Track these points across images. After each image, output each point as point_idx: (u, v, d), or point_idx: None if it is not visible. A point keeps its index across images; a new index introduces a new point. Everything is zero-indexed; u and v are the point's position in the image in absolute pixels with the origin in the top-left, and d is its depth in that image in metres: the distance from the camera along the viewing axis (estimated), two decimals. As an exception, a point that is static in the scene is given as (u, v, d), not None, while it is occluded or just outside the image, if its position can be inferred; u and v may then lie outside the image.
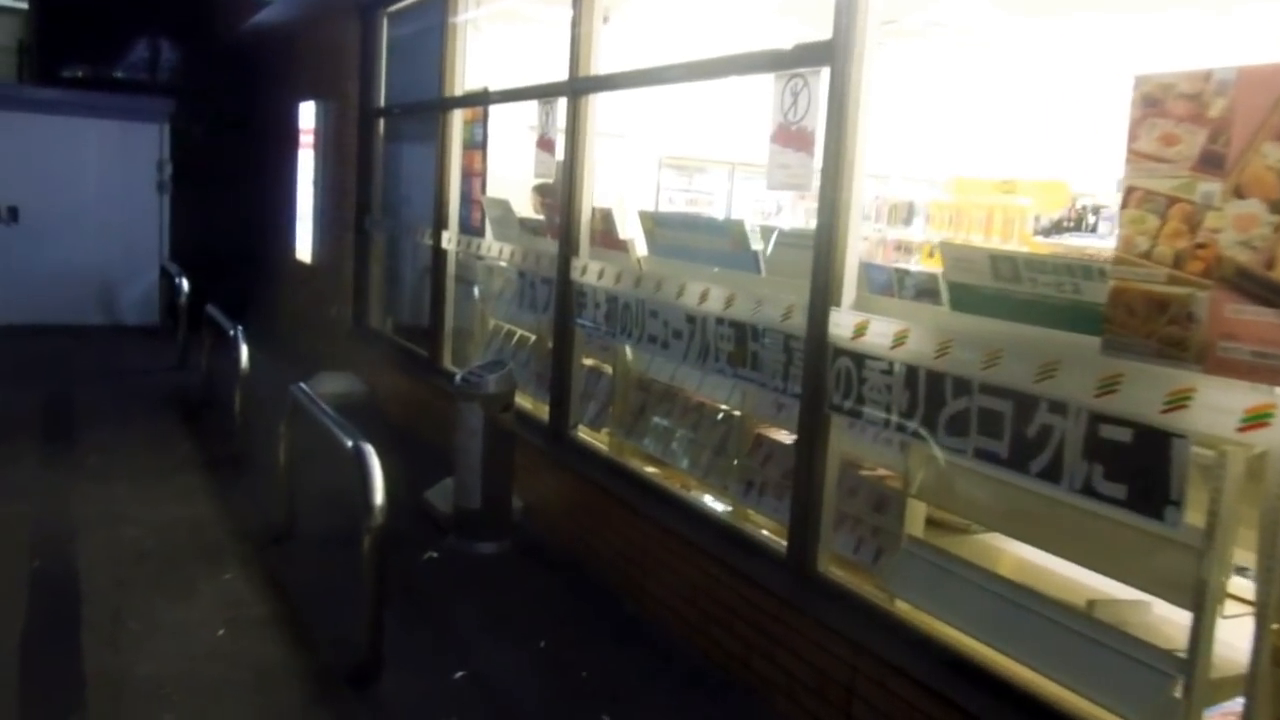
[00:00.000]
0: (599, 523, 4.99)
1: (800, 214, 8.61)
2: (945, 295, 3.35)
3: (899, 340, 3.30)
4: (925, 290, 3.57)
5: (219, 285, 9.52)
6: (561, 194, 5.35)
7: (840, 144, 3.53)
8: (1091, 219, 6.74)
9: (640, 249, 5.29)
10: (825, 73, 3.57)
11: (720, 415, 4.68)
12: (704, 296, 4.28)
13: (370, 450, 3.82)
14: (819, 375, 3.63)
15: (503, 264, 6.47)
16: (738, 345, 4.13)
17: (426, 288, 7.66)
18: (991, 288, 3.16)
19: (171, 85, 12.36)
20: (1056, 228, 6.78)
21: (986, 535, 3.74)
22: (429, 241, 7.35)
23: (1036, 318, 2.99)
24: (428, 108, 7.41)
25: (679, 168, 10.84)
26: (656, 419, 5.05)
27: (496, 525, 5.18)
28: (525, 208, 6.73)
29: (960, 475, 3.34)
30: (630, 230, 5.16)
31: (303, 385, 4.85)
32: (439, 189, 7.12)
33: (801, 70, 3.68)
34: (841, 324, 3.54)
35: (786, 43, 3.75)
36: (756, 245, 4.34)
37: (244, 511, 5.57)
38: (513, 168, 7.67)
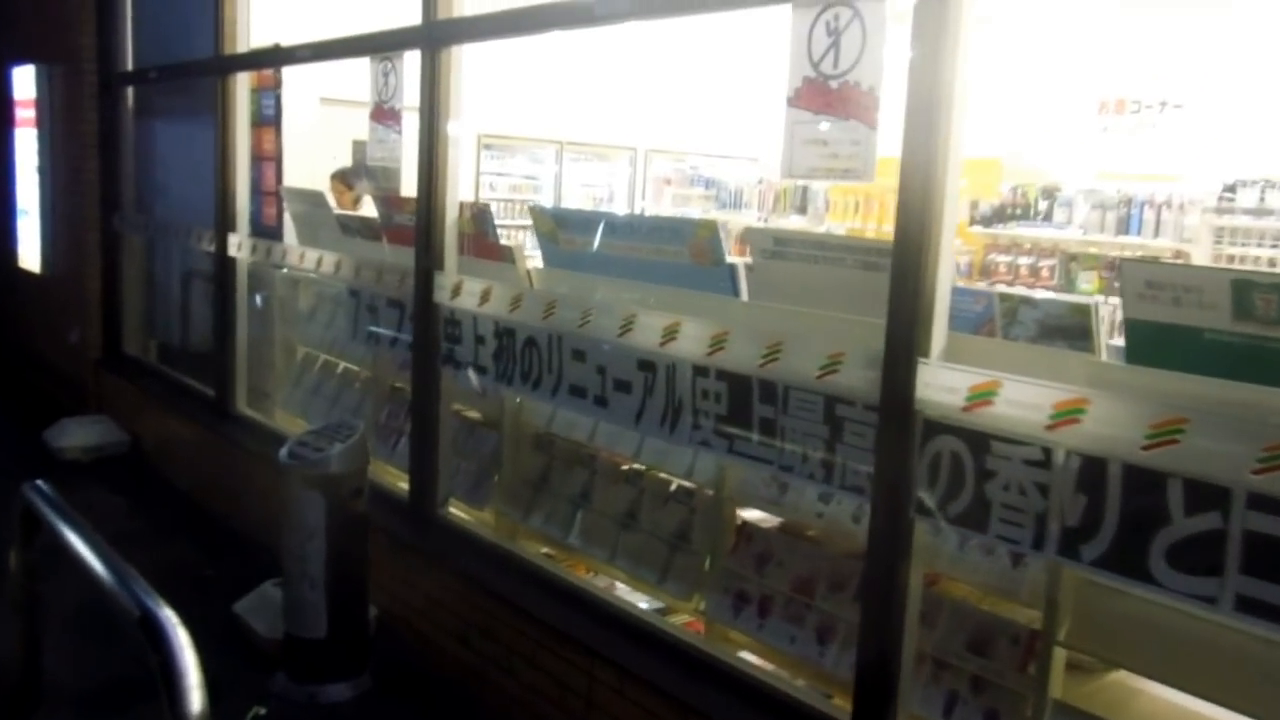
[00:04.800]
0: (498, 645, 3.56)
1: (666, 202, 7.35)
2: (1120, 339, 2.16)
3: (1061, 416, 2.09)
4: (1056, 328, 2.38)
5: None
6: (419, 186, 3.83)
7: (932, 109, 2.27)
8: (1042, 204, 5.84)
9: (533, 259, 3.90)
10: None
11: (676, 492, 3.35)
12: (671, 334, 2.93)
13: (171, 623, 2.25)
14: (899, 463, 2.37)
15: (318, 277, 4.85)
16: (734, 408, 2.81)
17: (207, 306, 5.89)
18: (1223, 333, 1.99)
19: None
20: (999, 216, 5.83)
21: (1120, 675, 2.61)
22: (209, 247, 5.58)
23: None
24: (199, 71, 5.63)
25: (501, 148, 9.36)
26: (567, 492, 3.67)
27: (349, 657, 3.64)
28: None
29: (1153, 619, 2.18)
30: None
31: (39, 483, 3.13)
32: (221, 178, 5.37)
33: (858, -7, 2.39)
34: (937, 385, 2.30)
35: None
36: (732, 256, 3.05)
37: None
38: (303, 150, 6.11)
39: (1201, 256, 5.87)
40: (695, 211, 8.68)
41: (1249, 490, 1.87)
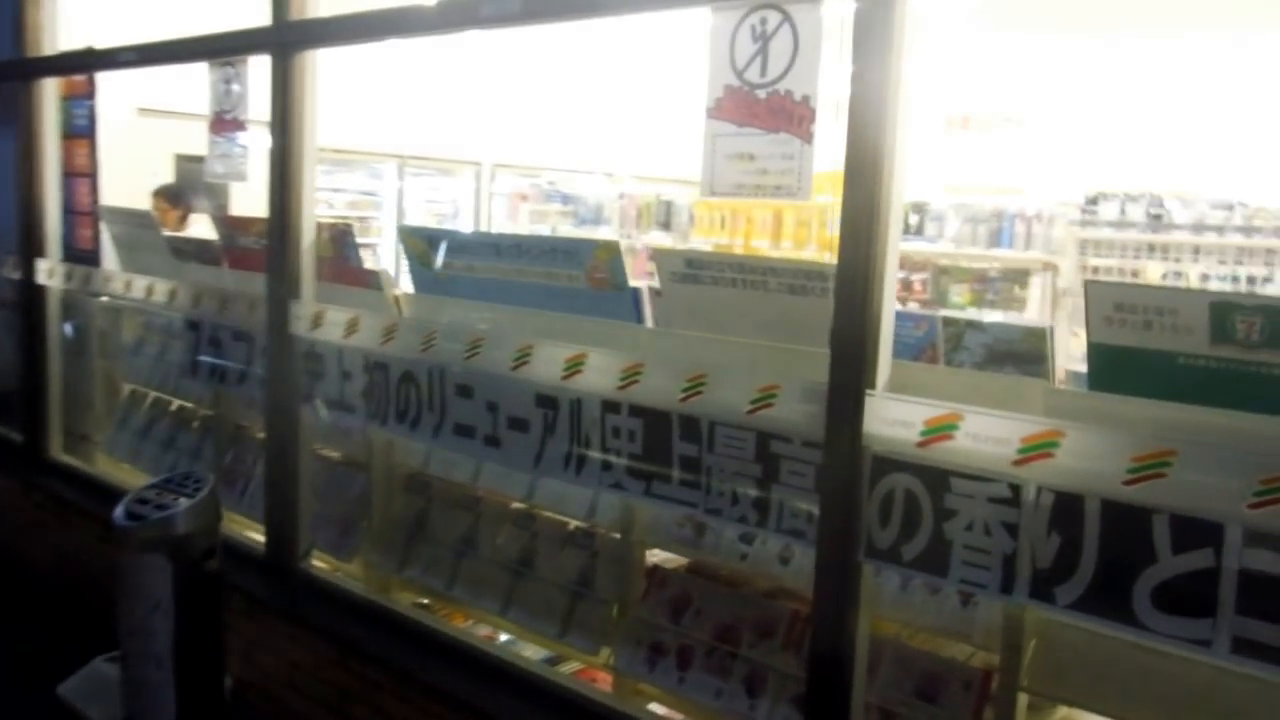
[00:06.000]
0: (376, 713, 3.19)
1: (523, 219, 7.04)
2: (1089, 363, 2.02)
3: (1031, 450, 1.94)
4: (1007, 353, 2.23)
5: None
6: (271, 205, 3.42)
7: (878, 122, 2.09)
8: (913, 218, 5.82)
9: (401, 284, 3.56)
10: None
11: (575, 535, 3.07)
12: (575, 366, 2.65)
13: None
14: (847, 504, 2.17)
15: (148, 306, 4.33)
16: (651, 447, 2.55)
17: (9, 340, 5.22)
18: (1199, 358, 1.88)
19: None
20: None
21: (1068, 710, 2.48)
22: (13, 274, 4.94)
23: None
24: (-5, 75, 4.99)
25: (338, 162, 8.83)
26: (448, 538, 3.33)
27: (203, 742, 3.19)
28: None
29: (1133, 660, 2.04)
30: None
31: None
32: (26, 197, 4.76)
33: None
34: (887, 418, 2.11)
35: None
36: (635, 280, 2.81)
37: None
38: (120, 166, 5.54)
39: (1068, 268, 6.03)
40: (545, 229, 8.42)
41: (1245, 526, 1.75)
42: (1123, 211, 6.07)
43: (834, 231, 6.00)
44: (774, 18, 2.21)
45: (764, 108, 2.24)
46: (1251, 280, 5.84)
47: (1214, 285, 5.86)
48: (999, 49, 6.56)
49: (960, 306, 5.79)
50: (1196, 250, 6.04)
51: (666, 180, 7.80)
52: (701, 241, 6.22)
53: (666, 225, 6.71)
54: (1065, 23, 5.66)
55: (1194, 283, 5.97)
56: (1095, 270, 6.09)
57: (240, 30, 3.46)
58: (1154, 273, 6.03)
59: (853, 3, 2.07)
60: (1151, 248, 6.10)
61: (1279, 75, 6.10)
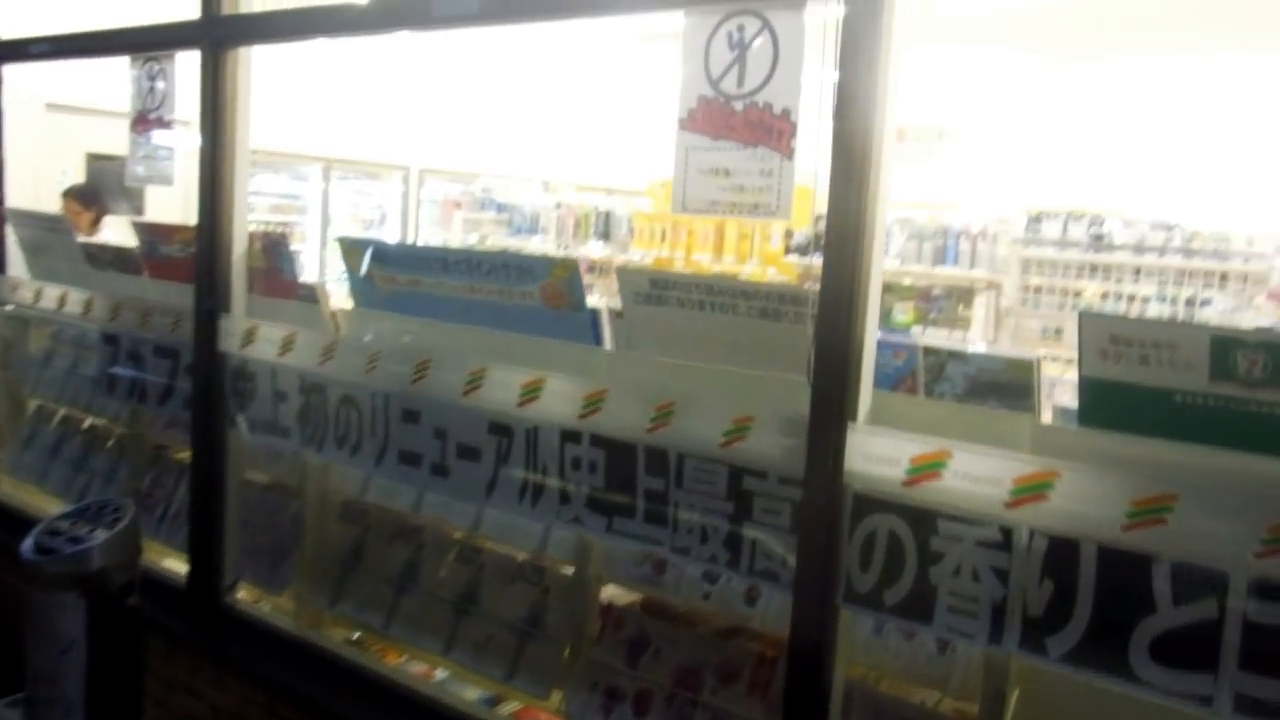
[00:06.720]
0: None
1: (456, 228, 6.82)
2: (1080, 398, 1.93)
3: (1024, 492, 1.84)
4: (991, 385, 2.13)
5: None
6: (201, 211, 3.19)
7: (864, 138, 1.98)
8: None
9: (340, 299, 3.36)
10: None
11: (524, 569, 2.90)
12: (532, 392, 2.49)
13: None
14: (826, 545, 2.05)
15: (60, 317, 4.05)
16: (614, 480, 2.40)
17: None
18: (1198, 395, 1.79)
19: None
20: (816, 245, 5.65)
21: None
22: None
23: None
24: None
25: (261, 164, 8.51)
26: (387, 571, 3.14)
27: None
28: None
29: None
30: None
31: None
32: (-76, 197, 4.43)
33: None
34: (871, 454, 2.00)
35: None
36: (595, 299, 2.66)
37: None
38: (26, 165, 5.24)
39: (1011, 287, 6.03)
40: (472, 238, 8.22)
41: (1251, 575, 1.66)
42: (1065, 231, 6.11)
43: (777, 245, 5.86)
44: (752, 25, 2.09)
45: (741, 120, 2.12)
46: (1190, 303, 5.92)
47: (1154, 307, 5.92)
48: (938, 61, 6.56)
49: (904, 326, 5.76)
50: (1138, 271, 6.10)
51: (604, 190, 7.66)
52: (641, 253, 6.08)
53: (605, 236, 6.57)
54: (1008, 38, 5.67)
55: (1135, 303, 6.03)
56: (1037, 290, 6.11)
57: (169, 24, 3.23)
58: (1094, 293, 6.08)
59: (840, 7, 1.96)
60: (1094, 268, 6.14)
61: (1218, 99, 6.20)
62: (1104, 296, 6.07)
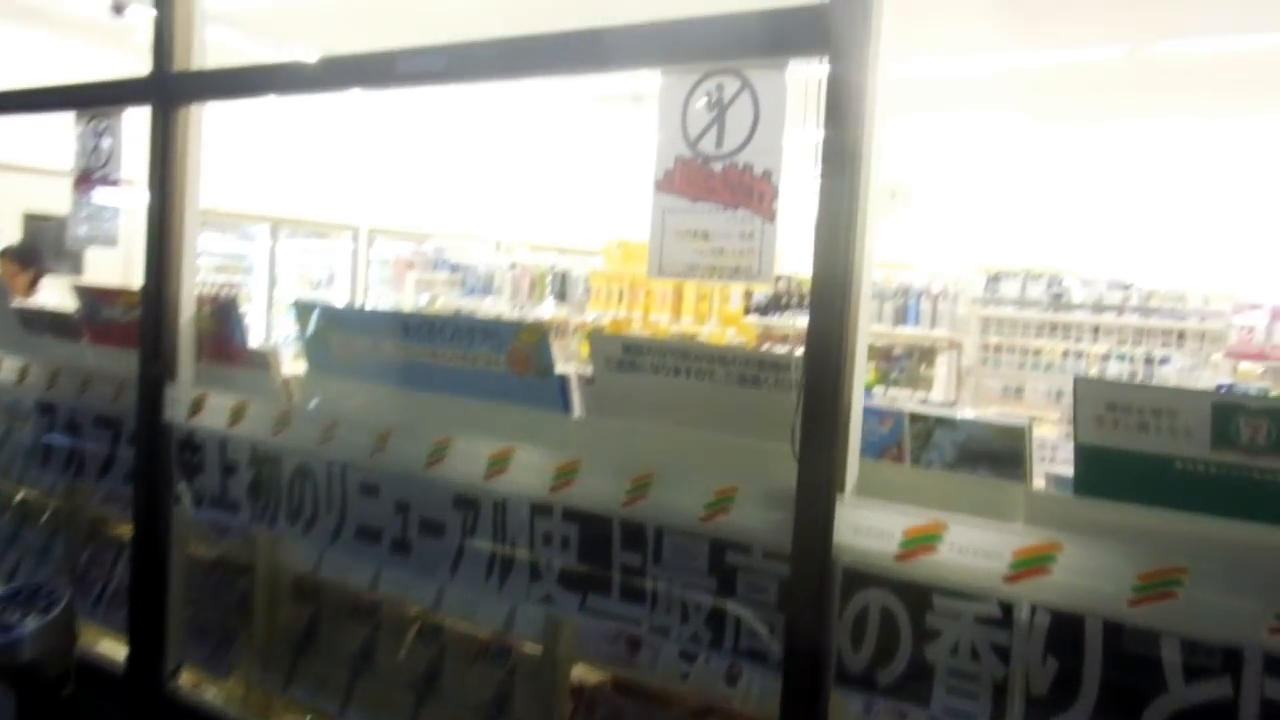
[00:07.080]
0: None
1: (409, 288, 6.70)
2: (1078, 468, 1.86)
3: (1024, 565, 1.76)
4: (981, 453, 2.06)
5: None
6: (147, 273, 3.05)
7: (849, 200, 1.92)
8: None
9: (293, 365, 3.23)
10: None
11: (489, 650, 2.75)
12: (499, 463, 2.38)
13: None
14: (815, 623, 1.95)
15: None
16: (588, 556, 2.29)
17: None
18: (1199, 463, 1.74)
19: None
20: (775, 304, 5.64)
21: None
22: None
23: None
24: None
25: (205, 223, 8.34)
26: (342, 652, 2.97)
27: None
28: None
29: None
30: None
31: None
32: None
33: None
34: (861, 527, 1.91)
35: None
36: (562, 365, 2.57)
37: None
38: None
39: (971, 346, 6.04)
40: (424, 299, 8.08)
41: (1266, 652, 1.59)
42: (1024, 290, 6.16)
43: (736, 306, 5.81)
44: (732, 84, 2.03)
45: (720, 181, 2.05)
46: (1149, 361, 5.97)
47: (1113, 365, 5.97)
48: (894, 123, 6.64)
49: (867, 386, 5.71)
50: (1096, 329, 6.15)
51: (558, 250, 7.58)
52: (599, 313, 6.01)
53: (562, 296, 6.50)
54: (967, 100, 5.75)
55: (1093, 361, 6.07)
56: (996, 349, 6.13)
57: (119, 80, 3.12)
58: (1054, 351, 6.12)
59: (824, 66, 1.90)
60: (1053, 327, 6.19)
61: (1172, 161, 6.32)
62: (1064, 355, 6.12)
